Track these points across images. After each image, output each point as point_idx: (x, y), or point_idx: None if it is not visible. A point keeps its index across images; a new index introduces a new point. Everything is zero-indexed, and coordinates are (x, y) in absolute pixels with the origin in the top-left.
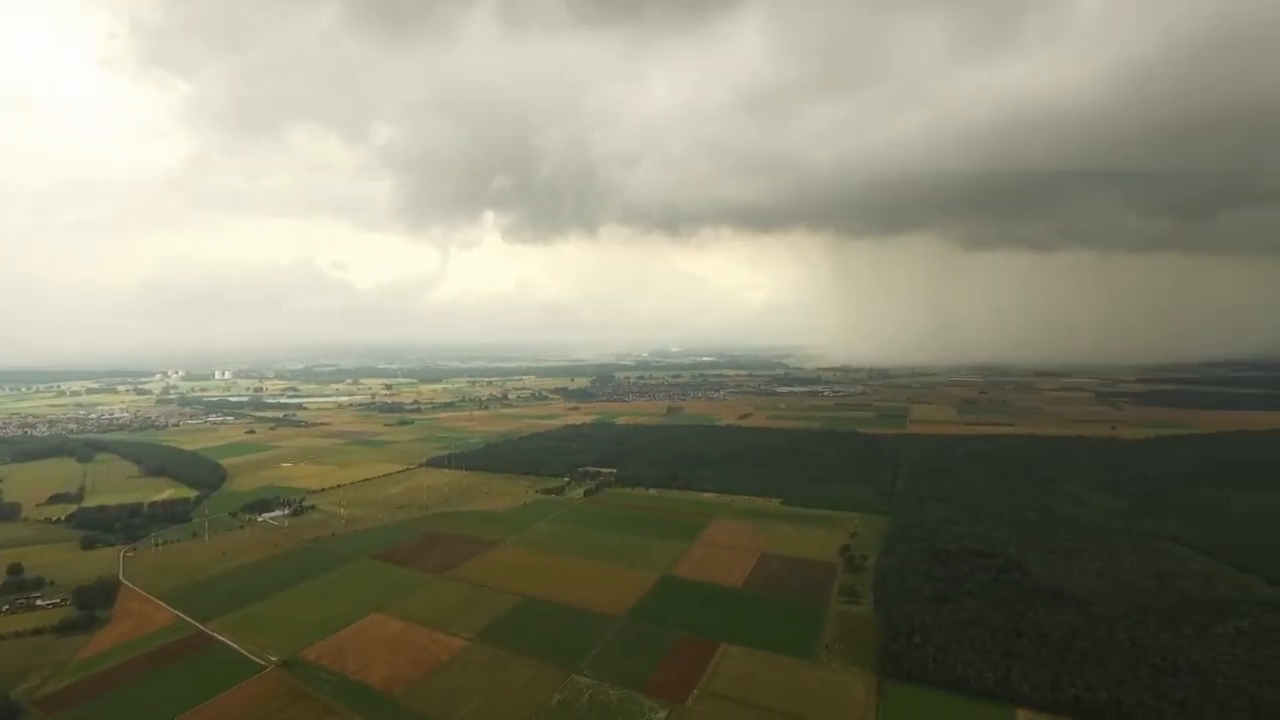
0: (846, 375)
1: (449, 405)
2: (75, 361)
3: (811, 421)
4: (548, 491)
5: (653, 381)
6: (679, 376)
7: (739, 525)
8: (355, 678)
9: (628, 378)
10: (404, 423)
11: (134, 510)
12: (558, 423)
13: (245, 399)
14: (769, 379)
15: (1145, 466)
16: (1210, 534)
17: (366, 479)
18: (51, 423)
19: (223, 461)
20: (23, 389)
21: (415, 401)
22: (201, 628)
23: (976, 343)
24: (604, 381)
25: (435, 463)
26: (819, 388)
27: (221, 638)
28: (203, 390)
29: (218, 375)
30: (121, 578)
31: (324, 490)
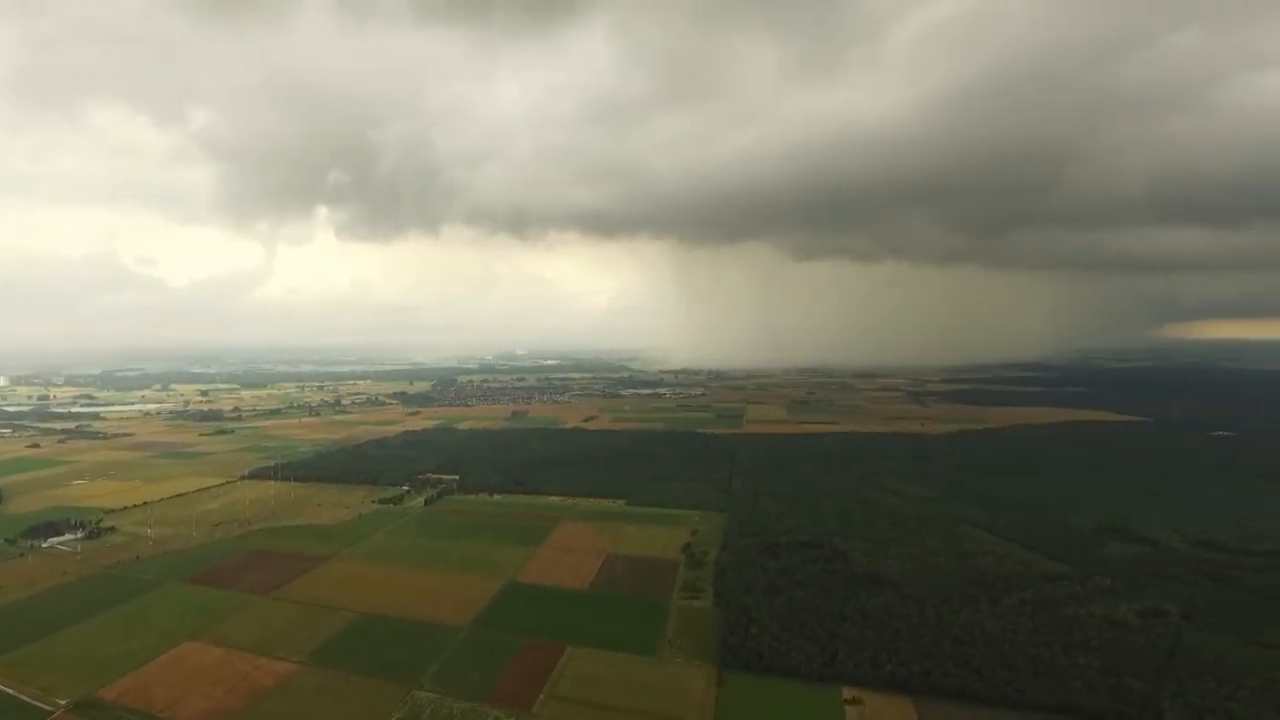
0: (687, 377)
1: (275, 412)
2: None
3: (654, 423)
4: (385, 501)
5: (497, 385)
6: (524, 380)
7: (585, 527)
8: (163, 715)
9: (471, 381)
10: (223, 432)
11: None
12: (396, 429)
13: (27, 408)
14: (614, 381)
15: (949, 459)
16: (1001, 518)
17: (178, 495)
18: None
19: None
20: None
21: (236, 409)
22: None
23: (805, 346)
24: (446, 386)
25: (259, 474)
26: (662, 390)
27: None
28: None
29: None
30: None
31: (126, 509)
